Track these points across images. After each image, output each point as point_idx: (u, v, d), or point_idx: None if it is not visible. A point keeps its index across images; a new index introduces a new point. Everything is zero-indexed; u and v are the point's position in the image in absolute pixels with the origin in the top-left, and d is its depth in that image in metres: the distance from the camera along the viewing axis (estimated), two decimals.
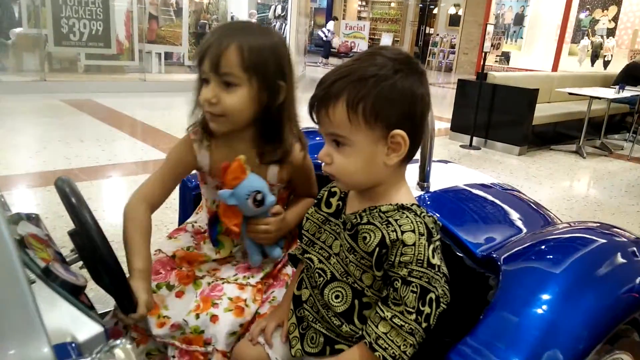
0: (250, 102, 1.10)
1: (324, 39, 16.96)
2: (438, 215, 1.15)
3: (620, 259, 1.07)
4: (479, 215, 1.25)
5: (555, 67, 13.72)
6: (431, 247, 0.87)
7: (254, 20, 14.19)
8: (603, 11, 13.71)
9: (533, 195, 4.31)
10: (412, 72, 0.88)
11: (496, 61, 14.58)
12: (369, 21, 20.20)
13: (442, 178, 1.34)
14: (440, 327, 1.23)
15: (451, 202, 1.28)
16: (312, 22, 21.37)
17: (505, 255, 1.05)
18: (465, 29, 16.61)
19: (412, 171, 1.30)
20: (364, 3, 22.10)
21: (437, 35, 18.38)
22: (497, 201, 1.33)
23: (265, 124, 1.16)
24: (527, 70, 12.77)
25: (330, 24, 17.32)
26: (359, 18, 21.22)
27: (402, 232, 0.87)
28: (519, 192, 1.42)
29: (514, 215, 1.29)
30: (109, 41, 8.09)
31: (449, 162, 1.54)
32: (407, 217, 0.89)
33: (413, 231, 0.87)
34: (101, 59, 8.42)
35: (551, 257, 1.04)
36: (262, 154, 1.19)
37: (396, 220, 0.89)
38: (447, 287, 0.89)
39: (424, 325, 0.86)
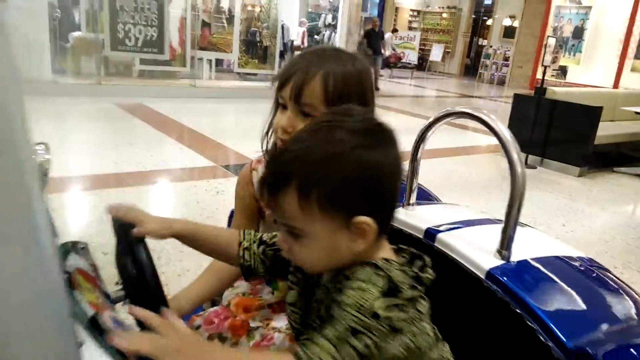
0: None
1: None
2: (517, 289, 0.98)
3: None
4: (568, 297, 1.07)
5: (616, 84, 13.10)
6: (385, 301, 0.69)
7: (304, 28, 14.24)
8: None
9: (595, 222, 4.03)
10: (378, 143, 0.73)
11: (552, 75, 14.01)
12: (420, 31, 19.93)
13: (520, 245, 1.14)
14: None
15: (537, 278, 1.10)
16: (363, 31, 21.30)
17: (604, 352, 0.89)
18: (520, 41, 16.11)
19: (490, 234, 1.15)
20: (415, 13, 21.85)
21: (491, 47, 17.93)
22: (588, 281, 1.16)
23: None
24: (585, 85, 12.22)
25: (388, 37, 16.50)
26: (410, 28, 20.98)
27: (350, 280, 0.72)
28: (609, 270, 1.23)
29: (610, 301, 1.10)
30: (163, 47, 8.24)
31: (525, 225, 1.35)
32: (366, 269, 0.73)
33: (363, 280, 0.71)
34: (154, 64, 8.60)
35: None
36: None
37: (352, 273, 0.73)
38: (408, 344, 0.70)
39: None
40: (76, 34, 8.49)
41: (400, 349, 0.69)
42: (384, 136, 0.75)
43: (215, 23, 9.14)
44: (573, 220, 4.09)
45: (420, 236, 1.21)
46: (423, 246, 1.18)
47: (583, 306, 1.04)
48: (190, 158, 4.82)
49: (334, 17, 15.66)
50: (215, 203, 3.62)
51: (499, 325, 1.05)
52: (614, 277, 1.17)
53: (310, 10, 18.81)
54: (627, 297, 1.10)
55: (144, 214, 0.84)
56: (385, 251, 0.79)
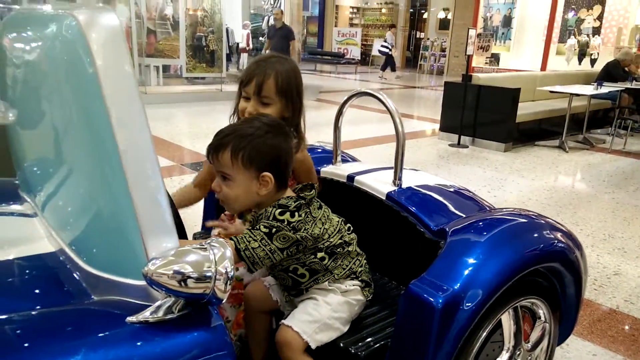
0: (278, 113, 1.50)
1: (388, 52, 15.72)
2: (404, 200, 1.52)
3: (531, 231, 1.51)
4: (436, 203, 1.65)
5: (543, 67, 14.05)
6: (278, 210, 1.24)
7: (248, 30, 14.56)
8: (588, 10, 14.09)
9: (515, 188, 4.66)
10: (279, 133, 1.27)
11: (486, 63, 14.91)
12: (361, 27, 20.60)
13: (410, 180, 1.74)
14: (401, 278, 1.62)
15: (417, 195, 1.67)
16: (305, 30, 21.77)
17: (453, 228, 1.46)
18: (455, 33, 16.99)
19: (389, 174, 1.70)
20: (355, 10, 22.53)
21: (428, 39, 18.78)
22: (449, 194, 1.75)
23: (289, 124, 1.50)
24: (517, 70, 13.11)
25: (389, 35, 16.12)
26: (351, 25, 21.64)
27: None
28: (466, 189, 1.85)
29: (460, 203, 1.71)
30: None
31: (418, 170, 1.94)
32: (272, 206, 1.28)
33: (271, 206, 1.27)
34: None
35: (481, 229, 1.46)
36: None
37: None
38: (297, 233, 1.25)
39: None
40: None
41: (298, 236, 1.25)
42: (283, 131, 1.31)
43: (160, 30, 9.36)
44: (497, 187, 4.69)
45: (344, 180, 1.74)
46: (346, 186, 1.72)
47: (444, 208, 1.62)
48: None
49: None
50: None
51: (394, 228, 1.64)
52: (468, 191, 1.80)
53: (252, 11, 19.11)
54: (472, 200, 1.76)
55: None
56: (288, 193, 1.33)
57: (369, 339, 1.39)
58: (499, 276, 1.30)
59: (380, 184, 1.67)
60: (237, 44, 14.66)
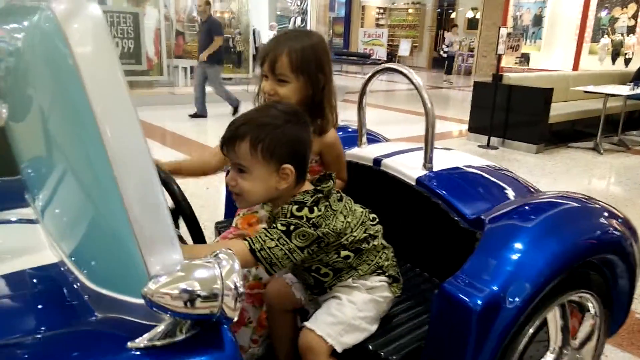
0: (298, 92, 1.44)
1: (446, 53, 15.16)
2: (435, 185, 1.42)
3: (583, 218, 1.36)
4: (472, 188, 1.53)
5: (575, 67, 13.72)
6: (296, 206, 1.16)
7: (274, 32, 14.60)
8: (622, 9, 13.68)
9: (548, 190, 4.50)
10: (298, 122, 1.18)
11: (516, 63, 14.62)
12: (387, 28, 20.45)
13: (444, 161, 1.62)
14: (433, 270, 1.53)
15: (450, 179, 1.55)
16: (331, 31, 21.73)
17: (490, 216, 1.33)
18: (484, 32, 16.71)
19: (420, 156, 1.59)
20: (381, 10, 22.38)
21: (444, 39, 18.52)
22: (488, 177, 1.62)
23: (311, 105, 1.46)
24: (547, 70, 12.83)
25: (449, 36, 15.39)
26: (377, 25, 21.50)
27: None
28: (508, 170, 1.70)
29: (501, 188, 1.57)
30: (140, 58, 8.54)
31: (452, 149, 1.81)
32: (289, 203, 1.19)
33: (288, 203, 1.18)
34: (132, 75, 8.87)
35: (524, 217, 1.32)
36: None
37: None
38: (318, 229, 1.16)
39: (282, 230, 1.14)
40: None
41: (319, 232, 1.16)
42: (302, 119, 1.22)
43: (188, 32, 9.46)
44: None
45: (371, 164, 1.66)
46: (372, 171, 1.64)
47: (481, 193, 1.52)
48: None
49: (303, 20, 16.10)
50: (206, 195, 3.98)
51: (425, 216, 1.54)
52: (510, 173, 1.66)
53: (279, 13, 19.18)
54: (515, 184, 1.61)
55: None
56: (306, 187, 1.24)
57: (401, 341, 1.30)
58: (546, 271, 1.17)
59: (409, 168, 1.57)
60: (264, 45, 14.71)
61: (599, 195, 4.51)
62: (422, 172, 1.54)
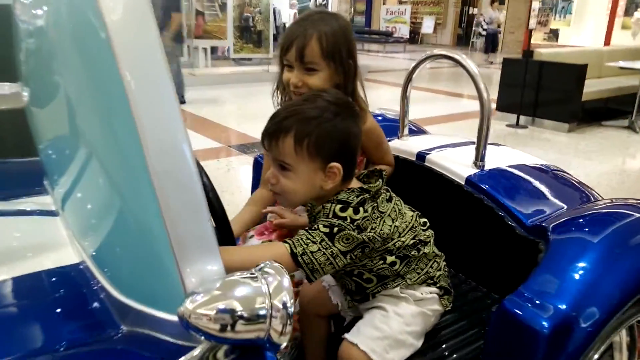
0: (328, 80, 1.30)
1: (485, 31, 13.96)
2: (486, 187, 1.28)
3: None
4: (528, 191, 1.39)
5: (607, 42, 13.19)
6: (339, 206, 1.04)
7: (295, 10, 14.36)
8: None
9: (582, 171, 4.31)
10: (349, 115, 1.05)
11: (545, 39, 14.11)
12: (410, 5, 19.96)
13: (494, 158, 1.48)
14: (490, 285, 1.39)
15: (504, 179, 1.41)
16: (353, 9, 21.32)
17: (553, 224, 1.20)
18: (512, 7, 16.19)
19: (468, 151, 1.46)
20: None
21: (482, 15, 17.98)
22: (545, 179, 1.47)
23: (342, 92, 1.32)
24: (577, 46, 12.35)
25: (489, 12, 13.88)
26: (400, 2, 21.01)
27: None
28: (565, 172, 1.55)
29: (559, 192, 1.42)
30: None
31: (501, 145, 1.68)
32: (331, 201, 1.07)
33: (330, 202, 1.06)
34: None
35: (592, 227, 1.19)
36: None
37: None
38: (363, 234, 1.03)
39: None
40: None
41: (364, 237, 1.03)
42: (353, 111, 1.09)
43: (208, 11, 9.31)
44: None
45: (413, 159, 1.52)
46: (415, 166, 1.50)
47: (539, 197, 1.37)
48: (197, 141, 5.08)
49: None
50: (228, 179, 3.90)
51: (476, 220, 1.40)
52: (567, 175, 1.50)
53: None
54: (575, 188, 1.45)
55: None
56: (353, 184, 1.11)
57: (451, 359, 1.18)
58: (621, 291, 1.04)
59: (458, 165, 1.43)
60: (284, 24, 14.49)
61: (637, 175, 4.32)
62: (473, 171, 1.41)
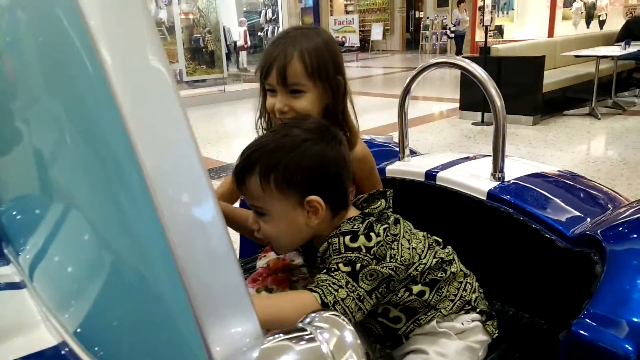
0: (317, 102, 1.13)
1: (453, 32, 13.85)
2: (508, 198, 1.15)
3: None
4: (558, 199, 1.27)
5: (550, 34, 13.61)
6: (348, 237, 0.89)
7: (244, 27, 14.20)
8: None
9: (556, 162, 4.28)
10: (322, 139, 0.91)
11: (490, 36, 14.40)
12: (357, 14, 20.13)
13: (510, 169, 1.36)
14: (533, 310, 1.24)
15: (529, 190, 1.29)
16: (301, 22, 21.36)
17: (602, 232, 1.06)
18: (455, 9, 16.52)
19: (481, 165, 1.34)
20: None
21: (427, 18, 18.31)
22: (568, 185, 1.37)
23: (333, 115, 1.16)
24: (523, 40, 12.68)
25: (457, 13, 13.83)
26: (347, 12, 21.18)
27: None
28: (584, 177, 1.45)
29: (587, 197, 1.32)
30: None
31: (509, 156, 1.56)
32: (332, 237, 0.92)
33: (334, 236, 0.91)
34: None
35: None
36: None
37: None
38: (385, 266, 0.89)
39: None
40: None
41: (388, 271, 0.88)
42: (330, 134, 0.93)
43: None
44: None
45: (422, 179, 1.36)
46: (425, 187, 1.34)
47: (570, 203, 1.24)
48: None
49: (274, 12, 15.70)
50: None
51: (504, 236, 1.25)
52: (588, 180, 1.39)
53: (245, 9, 18.74)
54: (597, 190, 1.35)
55: None
56: (351, 213, 0.95)
57: None
58: None
59: (474, 180, 1.29)
60: (235, 42, 14.30)
61: (611, 162, 4.33)
62: (493, 184, 1.28)
